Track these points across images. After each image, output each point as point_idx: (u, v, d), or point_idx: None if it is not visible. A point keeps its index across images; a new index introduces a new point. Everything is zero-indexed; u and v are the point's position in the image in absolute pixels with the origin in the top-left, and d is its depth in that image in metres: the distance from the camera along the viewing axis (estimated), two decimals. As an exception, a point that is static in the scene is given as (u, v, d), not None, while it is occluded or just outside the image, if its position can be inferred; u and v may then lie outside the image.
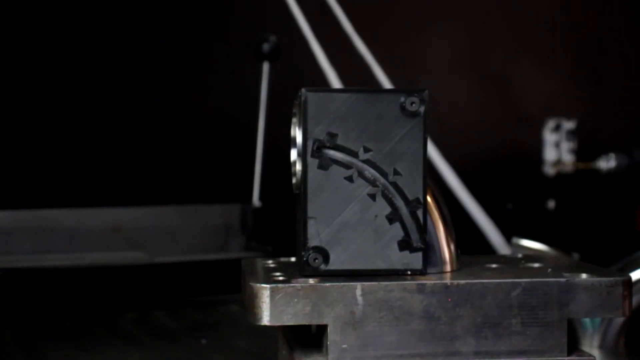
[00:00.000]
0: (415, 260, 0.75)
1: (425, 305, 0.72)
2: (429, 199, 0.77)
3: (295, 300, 0.71)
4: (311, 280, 0.72)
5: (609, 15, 2.06)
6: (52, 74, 1.80)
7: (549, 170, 1.96)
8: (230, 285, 1.33)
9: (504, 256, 0.91)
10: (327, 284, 0.71)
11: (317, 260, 0.74)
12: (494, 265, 0.81)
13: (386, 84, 1.67)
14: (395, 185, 0.75)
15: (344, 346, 0.71)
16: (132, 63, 1.85)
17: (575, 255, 1.54)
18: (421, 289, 0.72)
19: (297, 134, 0.77)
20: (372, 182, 0.75)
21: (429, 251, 0.77)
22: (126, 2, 1.85)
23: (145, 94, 1.87)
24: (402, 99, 0.74)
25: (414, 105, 0.74)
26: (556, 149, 1.98)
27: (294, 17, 1.65)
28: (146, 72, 1.86)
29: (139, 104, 1.86)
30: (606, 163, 1.92)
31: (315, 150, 0.75)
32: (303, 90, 0.75)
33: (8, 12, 1.77)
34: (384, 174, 0.75)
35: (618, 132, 2.04)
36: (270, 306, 0.71)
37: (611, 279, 0.73)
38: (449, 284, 0.72)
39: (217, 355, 1.11)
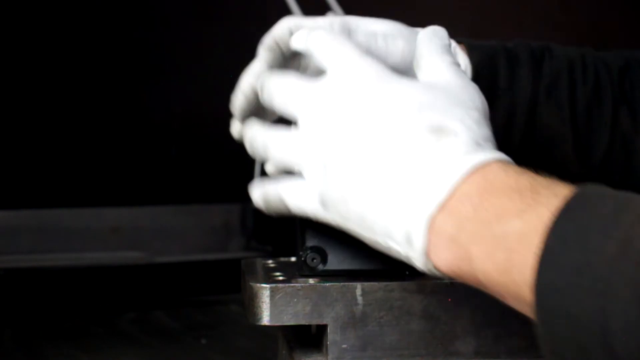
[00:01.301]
0: (414, 260, 0.75)
1: (425, 305, 0.72)
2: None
3: (295, 300, 0.71)
4: (311, 280, 0.72)
5: (609, 15, 2.06)
6: (52, 74, 1.80)
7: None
8: (230, 285, 1.33)
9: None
10: (327, 284, 0.71)
11: (315, 260, 0.74)
12: (493, 265, 0.81)
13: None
14: (394, 185, 0.75)
15: (344, 346, 0.71)
16: (131, 63, 1.85)
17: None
18: (421, 288, 0.72)
19: (297, 133, 0.76)
20: (372, 182, 0.75)
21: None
22: (126, 2, 1.85)
23: (144, 93, 1.87)
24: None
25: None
26: (556, 148, 1.98)
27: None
28: (146, 72, 1.86)
29: (138, 104, 1.86)
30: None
31: (314, 150, 0.75)
32: None
33: (8, 12, 1.77)
34: (383, 174, 0.75)
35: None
36: (270, 306, 0.71)
37: (611, 278, 0.73)
38: (449, 284, 0.72)
39: (217, 355, 1.11)
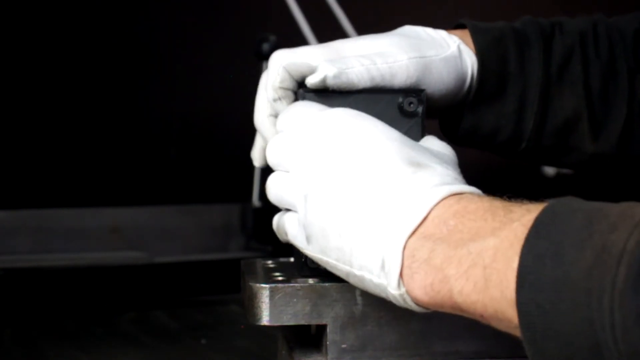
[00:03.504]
0: (414, 260, 0.75)
1: (425, 305, 0.72)
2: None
3: (295, 300, 0.71)
4: (311, 280, 0.72)
5: (610, 16, 2.06)
6: (52, 74, 1.80)
7: (549, 170, 1.96)
8: (230, 285, 1.33)
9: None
10: (327, 284, 0.71)
11: (314, 262, 0.74)
12: (493, 265, 0.80)
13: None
14: (394, 185, 0.75)
15: (344, 346, 0.71)
16: (131, 62, 1.85)
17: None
18: (420, 288, 0.72)
19: (296, 134, 0.76)
20: (371, 183, 0.75)
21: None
22: (126, 2, 1.85)
23: (144, 93, 1.87)
24: (400, 100, 0.74)
25: (412, 105, 0.74)
26: (556, 148, 1.98)
27: (294, 17, 1.65)
28: (146, 72, 1.86)
29: (138, 104, 1.86)
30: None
31: (313, 150, 0.74)
32: (301, 90, 0.74)
33: (8, 12, 1.77)
34: (383, 174, 0.74)
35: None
36: (269, 306, 0.71)
37: (610, 278, 0.73)
38: (448, 283, 0.72)
39: (217, 355, 1.11)
